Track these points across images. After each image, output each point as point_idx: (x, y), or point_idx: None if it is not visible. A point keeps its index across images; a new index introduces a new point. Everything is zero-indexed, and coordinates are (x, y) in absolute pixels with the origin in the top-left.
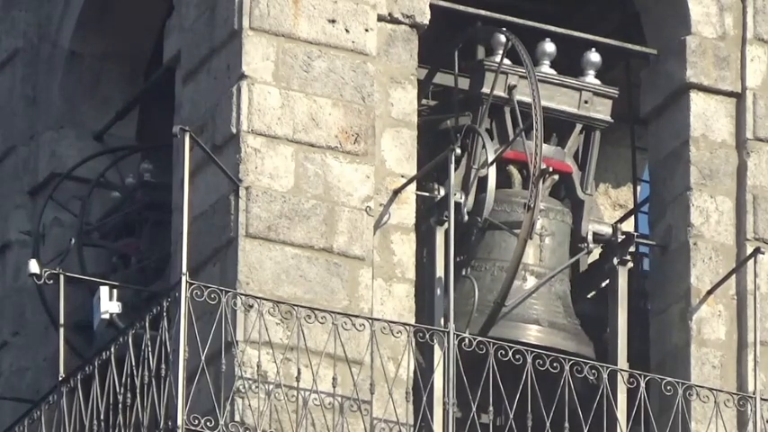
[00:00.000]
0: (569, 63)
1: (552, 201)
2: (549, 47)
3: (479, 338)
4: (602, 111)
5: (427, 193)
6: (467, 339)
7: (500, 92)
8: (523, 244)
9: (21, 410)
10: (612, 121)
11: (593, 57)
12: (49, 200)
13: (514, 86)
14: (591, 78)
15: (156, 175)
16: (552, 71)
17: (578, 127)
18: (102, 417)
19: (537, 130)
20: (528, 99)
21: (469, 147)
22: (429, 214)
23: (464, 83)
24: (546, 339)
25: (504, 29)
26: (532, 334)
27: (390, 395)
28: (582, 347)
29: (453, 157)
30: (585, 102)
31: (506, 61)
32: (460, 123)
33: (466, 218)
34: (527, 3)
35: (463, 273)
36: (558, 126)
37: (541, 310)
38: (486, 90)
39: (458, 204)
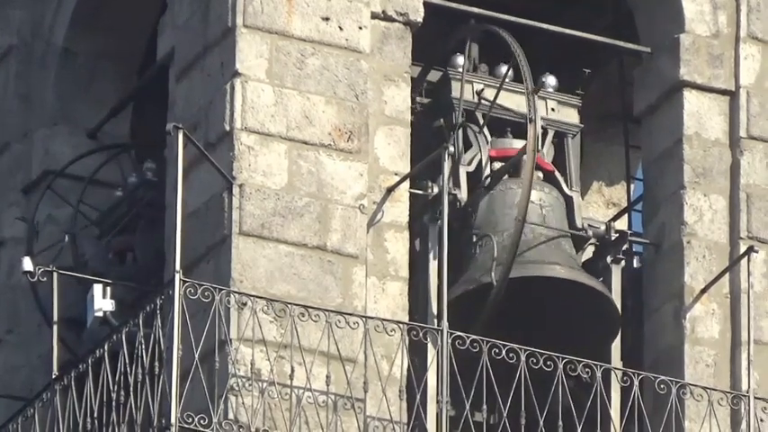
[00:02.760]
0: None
1: (544, 183)
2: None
3: (473, 337)
4: (570, 118)
5: (420, 191)
6: (460, 338)
7: (470, 97)
8: (533, 156)
9: (14, 408)
10: (582, 126)
11: (550, 80)
12: (43, 197)
13: (482, 89)
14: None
15: (157, 173)
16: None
17: (551, 133)
18: (95, 414)
19: (517, 56)
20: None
21: (455, 144)
22: (422, 212)
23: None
24: (571, 274)
25: (496, 27)
26: (557, 270)
27: (384, 393)
28: (605, 290)
29: (447, 156)
30: (552, 109)
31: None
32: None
33: (463, 203)
34: (520, 1)
35: (474, 239)
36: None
37: (559, 257)
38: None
39: (453, 195)
